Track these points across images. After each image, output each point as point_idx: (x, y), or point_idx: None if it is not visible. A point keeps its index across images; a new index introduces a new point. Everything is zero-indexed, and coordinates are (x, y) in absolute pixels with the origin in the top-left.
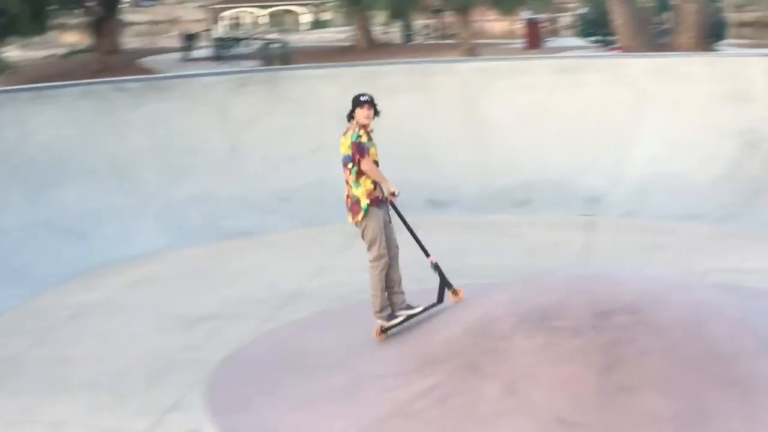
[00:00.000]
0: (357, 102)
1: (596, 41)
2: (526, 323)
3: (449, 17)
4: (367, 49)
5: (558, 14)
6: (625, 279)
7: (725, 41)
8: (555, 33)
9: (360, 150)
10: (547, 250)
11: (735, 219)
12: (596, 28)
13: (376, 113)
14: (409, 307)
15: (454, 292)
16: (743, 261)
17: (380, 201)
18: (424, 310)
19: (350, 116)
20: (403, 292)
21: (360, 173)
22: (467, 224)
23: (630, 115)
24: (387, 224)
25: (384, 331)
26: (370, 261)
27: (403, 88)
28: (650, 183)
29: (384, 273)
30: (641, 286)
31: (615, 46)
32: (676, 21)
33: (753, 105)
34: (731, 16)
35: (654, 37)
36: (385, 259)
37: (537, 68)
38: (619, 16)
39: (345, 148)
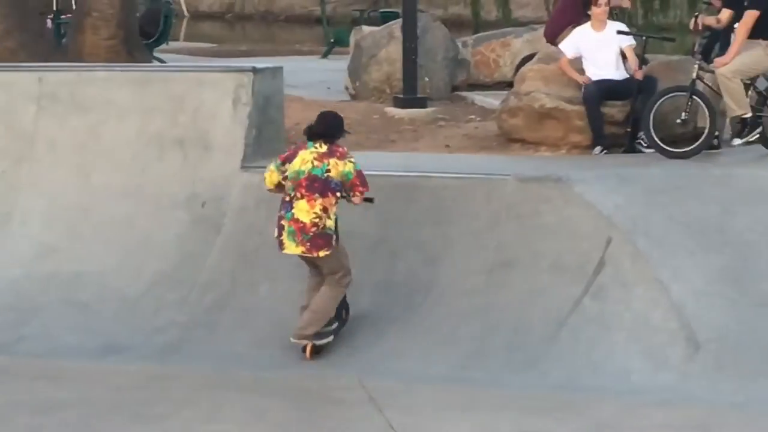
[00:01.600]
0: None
1: None
2: None
3: None
4: None
5: None
6: None
7: (173, 44)
8: None
9: (365, 182)
10: None
11: (180, 351)
12: None
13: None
14: (297, 339)
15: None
16: (185, 422)
17: None
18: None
19: (333, 135)
20: (300, 318)
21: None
22: None
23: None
24: None
25: (313, 352)
26: (342, 286)
27: None
28: (37, 291)
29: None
30: None
31: None
32: (81, 9)
33: (214, 151)
34: (184, 1)
35: (48, 36)
36: (350, 278)
37: None
38: None
39: (336, 173)
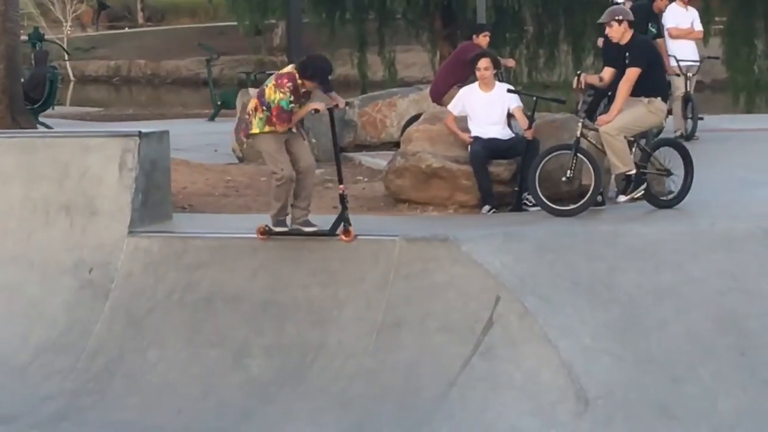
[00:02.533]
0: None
1: None
2: None
3: None
4: None
5: None
6: None
7: (59, 109)
8: None
9: (282, 117)
10: None
11: (69, 419)
12: None
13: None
14: (305, 224)
15: (346, 232)
16: None
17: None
18: (313, 234)
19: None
20: (304, 208)
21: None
22: None
23: None
24: (296, 141)
25: (265, 232)
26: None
27: None
28: None
29: (286, 188)
30: None
31: None
32: None
33: (99, 218)
34: (69, 65)
35: None
36: (282, 176)
37: None
38: None
39: (268, 95)
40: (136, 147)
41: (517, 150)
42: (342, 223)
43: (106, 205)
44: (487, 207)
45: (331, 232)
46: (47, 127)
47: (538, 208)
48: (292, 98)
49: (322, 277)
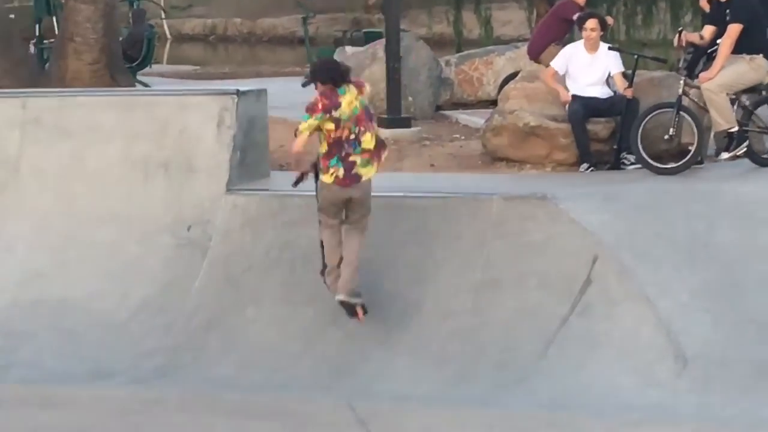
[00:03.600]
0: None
1: None
2: None
3: None
4: None
5: None
6: None
7: (156, 67)
8: None
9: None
10: None
11: (169, 375)
12: None
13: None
14: (349, 296)
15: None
16: None
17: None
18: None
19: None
20: (342, 277)
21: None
22: None
23: None
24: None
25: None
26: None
27: None
28: (25, 317)
29: (326, 235)
30: None
31: None
32: (64, 34)
33: (197, 175)
34: (166, 24)
35: (31, 61)
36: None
37: None
38: None
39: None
40: (234, 105)
41: (617, 109)
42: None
43: (204, 163)
44: (585, 165)
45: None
46: (145, 85)
47: (637, 166)
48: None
49: (419, 236)
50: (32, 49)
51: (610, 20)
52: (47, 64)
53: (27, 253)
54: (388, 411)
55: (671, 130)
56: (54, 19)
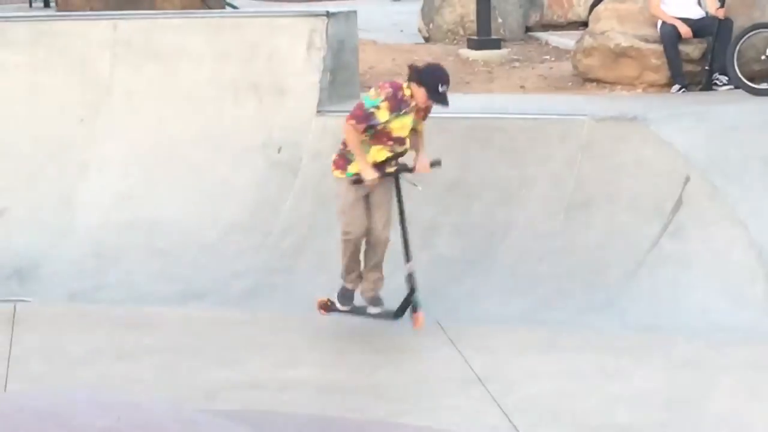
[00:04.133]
0: (431, 82)
1: None
2: None
3: None
4: None
5: None
6: (67, 413)
7: None
8: None
9: (359, 112)
10: None
11: (258, 297)
12: None
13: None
14: (372, 302)
15: (415, 317)
16: (266, 366)
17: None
18: (377, 316)
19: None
20: (373, 281)
21: (374, 137)
22: None
23: (78, 119)
24: (376, 203)
25: (327, 308)
26: None
27: None
28: (119, 239)
29: (350, 250)
30: (93, 424)
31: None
32: None
33: (288, 96)
34: None
35: None
36: (349, 237)
37: None
38: None
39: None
40: (324, 26)
41: (709, 29)
42: (410, 307)
43: (294, 85)
44: (676, 86)
45: (397, 317)
46: (234, 7)
47: (729, 87)
48: (384, 102)
49: (509, 156)
50: None
51: None
52: None
53: (119, 174)
54: (477, 331)
55: (767, 50)
56: None
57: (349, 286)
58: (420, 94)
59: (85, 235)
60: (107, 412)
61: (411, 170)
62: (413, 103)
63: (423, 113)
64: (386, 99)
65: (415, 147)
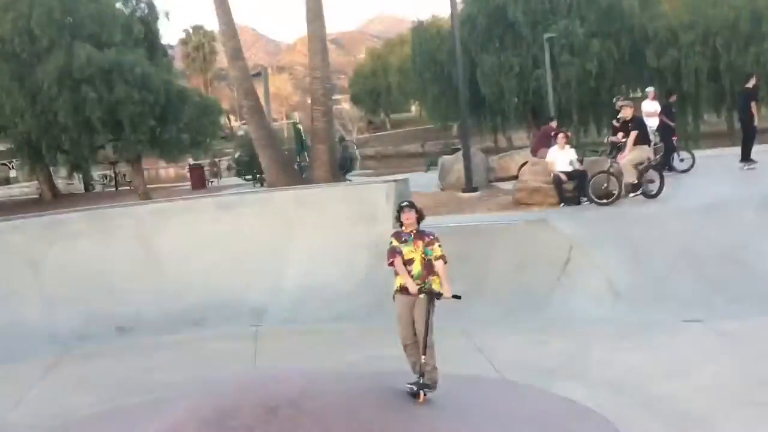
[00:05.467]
0: (399, 208)
1: (251, 179)
2: (206, 426)
3: (125, 167)
4: (52, 200)
5: (218, 158)
6: (288, 377)
7: (355, 172)
8: (216, 175)
9: (389, 255)
10: (221, 360)
11: (372, 318)
12: (249, 168)
13: (420, 216)
14: (418, 384)
15: (419, 395)
16: (381, 349)
17: (405, 290)
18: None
19: (398, 220)
20: (424, 362)
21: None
22: (151, 345)
23: (282, 238)
24: (420, 316)
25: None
26: None
27: (85, 233)
28: (304, 293)
29: (404, 346)
30: (302, 381)
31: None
32: (312, 158)
33: (378, 222)
34: (358, 151)
35: (296, 173)
36: (403, 341)
37: (202, 206)
38: (264, 159)
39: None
40: (393, 187)
41: (575, 175)
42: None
43: (380, 217)
44: (562, 204)
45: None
46: (349, 180)
47: (587, 202)
48: (392, 237)
49: (485, 241)
50: (296, 166)
51: (568, 134)
52: (304, 174)
53: (304, 265)
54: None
55: (604, 185)
56: (305, 153)
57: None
58: (402, 217)
59: (289, 292)
60: (315, 379)
61: (439, 295)
62: (410, 233)
63: (422, 239)
64: (393, 236)
65: (441, 278)
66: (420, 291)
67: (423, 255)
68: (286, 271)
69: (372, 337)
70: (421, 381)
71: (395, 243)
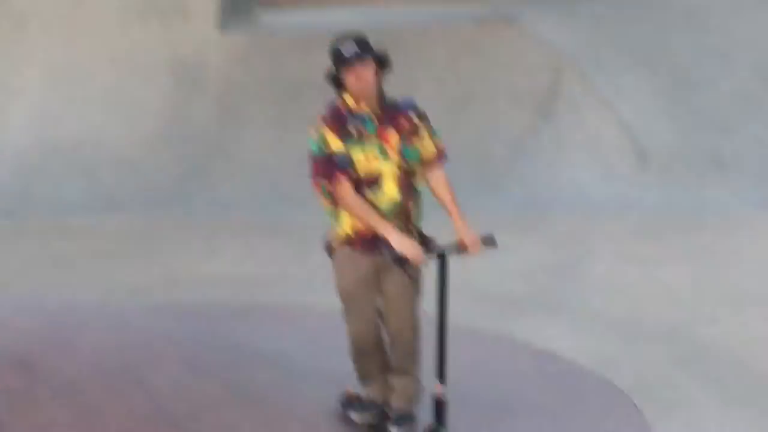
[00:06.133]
0: (339, 59)
1: None
2: None
3: None
4: None
5: None
6: (17, 315)
7: None
8: None
9: (321, 167)
10: None
11: (178, 202)
12: None
13: (383, 67)
14: (396, 420)
15: None
16: (198, 263)
17: (370, 243)
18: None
19: (337, 86)
20: (397, 389)
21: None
22: None
23: None
24: (387, 288)
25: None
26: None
27: None
28: (43, 157)
29: (358, 350)
30: (26, 327)
31: None
32: None
33: (190, 17)
34: None
35: None
36: (358, 336)
37: None
38: None
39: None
40: None
41: None
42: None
43: (197, 7)
44: None
45: None
46: None
47: None
48: (325, 128)
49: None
50: None
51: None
52: None
53: (40, 97)
54: None
55: None
56: None
57: (367, 389)
58: (348, 79)
59: (12, 156)
60: (40, 314)
61: (460, 250)
62: (367, 114)
63: (396, 124)
64: (326, 124)
65: (449, 208)
66: (428, 249)
67: (402, 161)
68: (8, 111)
69: (178, 238)
70: (396, 412)
71: (331, 139)
